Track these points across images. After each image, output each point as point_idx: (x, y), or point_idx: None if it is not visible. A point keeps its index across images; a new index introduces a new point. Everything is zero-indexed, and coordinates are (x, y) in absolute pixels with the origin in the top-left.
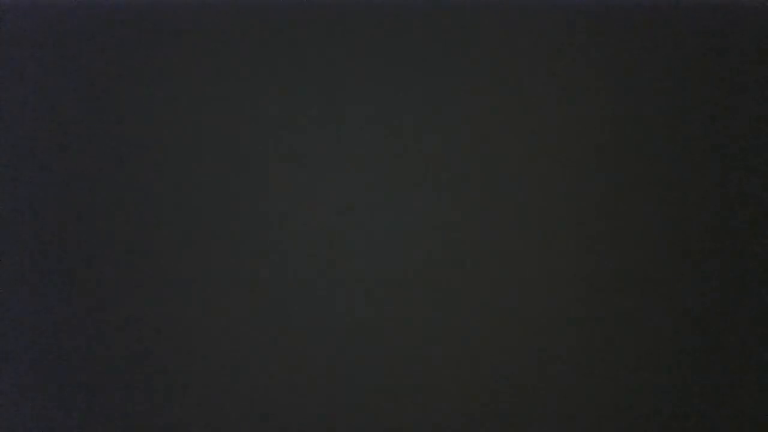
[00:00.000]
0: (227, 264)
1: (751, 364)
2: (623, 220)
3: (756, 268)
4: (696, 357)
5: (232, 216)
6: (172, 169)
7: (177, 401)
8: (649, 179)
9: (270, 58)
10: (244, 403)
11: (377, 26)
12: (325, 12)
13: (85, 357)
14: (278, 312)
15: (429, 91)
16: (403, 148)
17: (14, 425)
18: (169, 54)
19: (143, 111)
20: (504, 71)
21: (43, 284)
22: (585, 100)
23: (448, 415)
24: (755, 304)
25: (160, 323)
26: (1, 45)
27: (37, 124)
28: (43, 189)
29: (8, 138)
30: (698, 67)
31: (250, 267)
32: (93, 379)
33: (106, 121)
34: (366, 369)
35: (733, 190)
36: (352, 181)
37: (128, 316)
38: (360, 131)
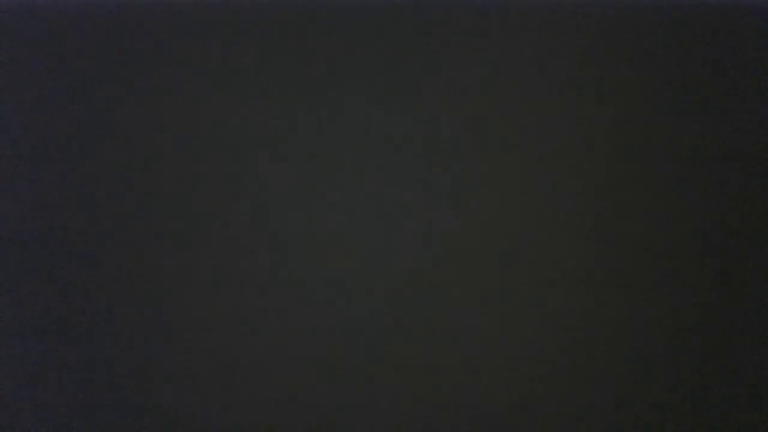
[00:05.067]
0: (227, 264)
1: (751, 364)
2: (623, 219)
3: (756, 268)
4: (696, 357)
5: (232, 216)
6: (171, 168)
7: (177, 401)
8: (648, 179)
9: (270, 58)
10: (244, 402)
11: (377, 26)
12: (325, 12)
13: (85, 357)
14: (278, 312)
15: (429, 91)
16: (404, 148)
17: (14, 425)
18: (169, 54)
19: (143, 111)
20: (504, 71)
21: (43, 284)
22: (585, 100)
23: (448, 415)
24: (755, 304)
25: (160, 323)
26: (1, 45)
27: (37, 124)
28: (43, 189)
29: (8, 138)
30: (698, 67)
31: (249, 267)
32: (93, 379)
33: (105, 120)
34: (365, 369)
35: (734, 190)
36: (351, 181)
37: (128, 316)
38: (360, 131)
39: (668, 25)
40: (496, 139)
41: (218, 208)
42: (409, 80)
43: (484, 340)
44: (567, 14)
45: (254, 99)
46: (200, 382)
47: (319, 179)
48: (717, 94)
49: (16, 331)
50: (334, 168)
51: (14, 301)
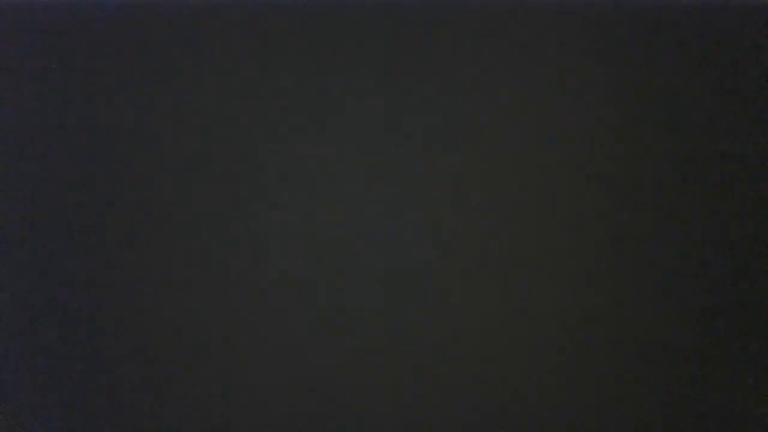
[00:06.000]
0: (227, 263)
1: (751, 364)
2: (623, 220)
3: (756, 268)
4: (696, 357)
5: (232, 216)
6: (171, 169)
7: (177, 401)
8: (648, 179)
9: (270, 59)
10: (243, 402)
11: (377, 26)
12: (324, 12)
13: (86, 356)
14: (278, 312)
15: (429, 92)
16: (403, 149)
17: (14, 425)
18: (169, 54)
19: (143, 111)
20: (504, 71)
21: (43, 282)
22: (585, 101)
23: (447, 415)
24: (755, 304)
25: (161, 323)
26: (1, 45)
27: (37, 124)
28: (43, 189)
29: (8, 138)
30: (698, 67)
31: (249, 267)
32: (93, 379)
33: (105, 120)
34: (365, 369)
35: (733, 190)
36: (352, 182)
37: (128, 316)
38: (359, 131)
39: (669, 25)
40: (496, 139)
41: (219, 207)
42: (409, 80)
43: (484, 340)
44: (567, 14)
45: (254, 99)
46: (200, 381)
47: (319, 179)
48: (717, 94)
49: (16, 331)
50: (333, 168)
51: (14, 300)
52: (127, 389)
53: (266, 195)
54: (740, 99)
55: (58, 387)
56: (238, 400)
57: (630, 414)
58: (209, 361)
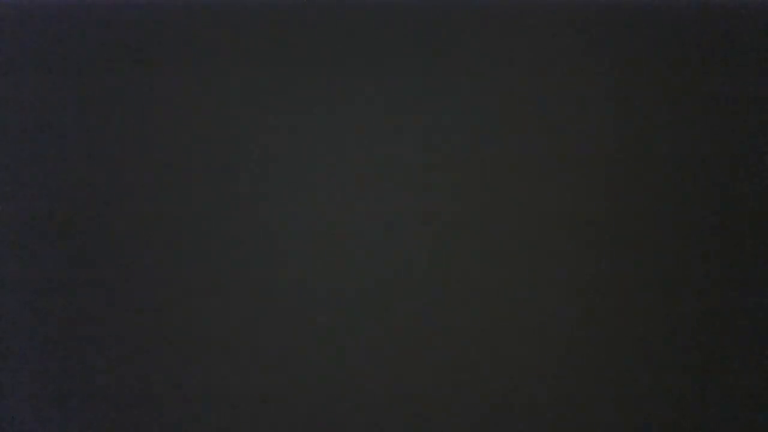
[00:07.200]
0: (227, 264)
1: (751, 364)
2: (623, 220)
3: (756, 268)
4: (696, 357)
5: (232, 216)
6: (171, 168)
7: (176, 402)
8: (648, 179)
9: (270, 59)
10: (243, 404)
11: (377, 26)
12: (324, 12)
13: (85, 357)
14: (277, 312)
15: (429, 92)
16: (403, 148)
17: (14, 425)
18: (168, 54)
19: (142, 111)
20: (504, 71)
21: (43, 284)
22: (585, 100)
23: (446, 415)
24: (755, 304)
25: (160, 324)
26: (1, 45)
27: (36, 124)
28: (43, 189)
29: (8, 138)
30: (698, 67)
31: (249, 267)
32: (93, 380)
33: (104, 120)
34: (365, 368)
35: (733, 190)
36: (352, 181)
37: (129, 317)
38: (360, 131)
39: (668, 25)
40: (496, 139)
41: (219, 207)
42: (409, 80)
43: (484, 340)
44: (567, 15)
45: (254, 98)
46: (199, 383)
47: (319, 178)
48: (717, 94)
49: (16, 331)
50: (333, 167)
51: (14, 301)
52: (126, 390)
53: (266, 195)
54: (740, 99)
55: (58, 387)
56: (238, 400)
57: (630, 414)
58: (209, 362)
